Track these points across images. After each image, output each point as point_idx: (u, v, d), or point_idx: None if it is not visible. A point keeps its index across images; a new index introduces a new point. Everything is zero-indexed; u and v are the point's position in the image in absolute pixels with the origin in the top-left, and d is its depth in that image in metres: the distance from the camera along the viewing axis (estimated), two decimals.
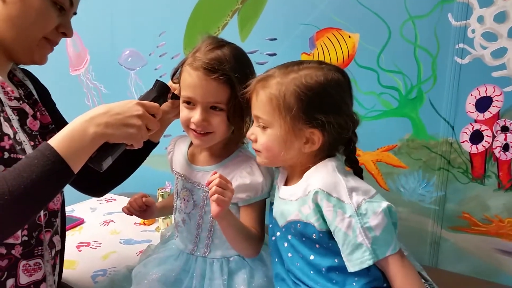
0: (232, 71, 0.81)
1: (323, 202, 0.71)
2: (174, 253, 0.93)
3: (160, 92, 0.88)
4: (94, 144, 0.73)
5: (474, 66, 1.07)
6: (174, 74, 0.90)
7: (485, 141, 1.10)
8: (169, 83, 0.91)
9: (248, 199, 0.87)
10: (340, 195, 0.71)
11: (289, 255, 0.79)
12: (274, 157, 0.78)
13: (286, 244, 0.80)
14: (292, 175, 0.84)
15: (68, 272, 1.10)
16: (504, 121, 1.06)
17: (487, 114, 1.08)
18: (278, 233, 0.82)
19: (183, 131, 0.91)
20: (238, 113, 0.84)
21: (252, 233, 0.86)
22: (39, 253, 0.80)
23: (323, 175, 0.74)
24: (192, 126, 0.85)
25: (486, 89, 1.07)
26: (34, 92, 0.92)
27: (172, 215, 1.02)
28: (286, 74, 0.75)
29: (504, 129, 1.07)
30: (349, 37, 1.24)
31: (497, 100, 1.06)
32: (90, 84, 1.95)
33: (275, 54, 1.38)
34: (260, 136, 0.78)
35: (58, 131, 0.73)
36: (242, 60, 0.85)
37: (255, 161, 0.87)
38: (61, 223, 0.91)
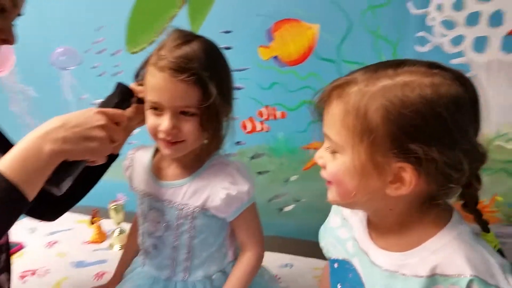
0: (202, 69, 0.71)
1: None
2: (146, 282, 0.82)
3: (123, 96, 0.77)
4: (51, 163, 0.62)
5: (434, 53, 1.08)
6: (137, 75, 0.79)
7: None
8: (132, 84, 0.81)
9: (236, 210, 0.79)
10: (498, 281, 0.50)
11: None
12: (347, 194, 0.56)
13: None
14: (381, 225, 0.62)
15: None
16: None
17: None
18: None
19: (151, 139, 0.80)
20: (213, 117, 0.74)
21: (246, 277, 0.81)
22: None
23: (467, 251, 0.52)
24: (161, 135, 0.74)
25: None
26: None
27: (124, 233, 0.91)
28: (373, 79, 0.52)
29: None
30: (309, 28, 1.19)
31: None
32: (16, 87, 1.73)
33: (230, 48, 1.30)
34: (329, 162, 0.58)
35: None
36: (214, 55, 0.76)
37: (233, 167, 0.79)
38: (6, 258, 0.77)
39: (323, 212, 1.31)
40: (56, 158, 0.62)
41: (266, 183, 1.35)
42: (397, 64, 0.52)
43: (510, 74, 1.03)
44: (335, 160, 0.56)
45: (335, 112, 0.55)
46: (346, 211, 0.70)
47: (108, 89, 1.47)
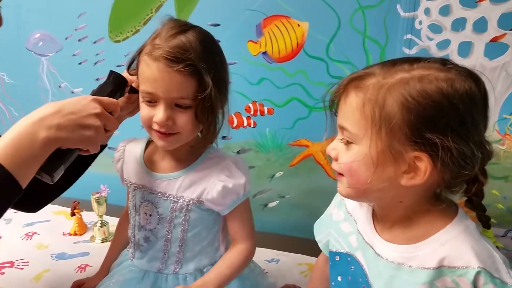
0: (199, 60, 0.70)
1: (487, 286, 0.53)
2: (136, 275, 0.81)
3: (117, 85, 0.76)
4: (45, 151, 0.60)
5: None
6: (130, 64, 0.77)
7: None
8: (124, 74, 0.79)
9: (232, 203, 0.79)
10: (501, 275, 0.54)
11: None
12: (360, 185, 0.57)
13: None
14: (387, 218, 0.63)
15: None
16: None
17: None
18: None
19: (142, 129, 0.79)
20: (208, 110, 0.73)
21: (236, 265, 0.81)
22: None
23: (474, 245, 0.55)
24: (155, 126, 0.73)
25: None
26: None
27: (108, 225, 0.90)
28: (391, 72, 0.55)
29: None
30: (298, 25, 1.19)
31: None
32: None
33: (218, 41, 1.29)
34: (343, 154, 0.59)
35: None
36: (210, 46, 0.75)
37: (231, 160, 0.79)
38: None
39: (307, 209, 1.34)
40: (51, 145, 0.60)
41: (251, 178, 1.35)
42: (412, 60, 0.56)
43: (491, 79, 1.07)
44: (350, 151, 0.58)
45: (352, 103, 0.56)
46: (351, 205, 0.71)
47: (89, 78, 1.44)
